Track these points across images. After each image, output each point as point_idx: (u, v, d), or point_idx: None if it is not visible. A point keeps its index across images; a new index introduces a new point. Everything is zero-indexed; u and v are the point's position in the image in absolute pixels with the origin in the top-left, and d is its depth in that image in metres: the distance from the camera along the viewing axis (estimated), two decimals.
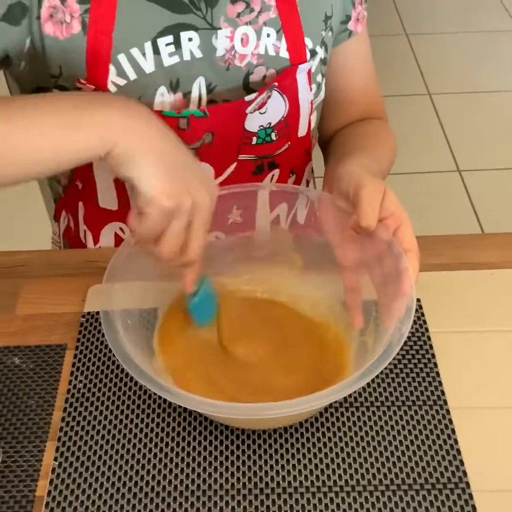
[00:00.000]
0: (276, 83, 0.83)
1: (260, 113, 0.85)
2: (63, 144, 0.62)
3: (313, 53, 0.87)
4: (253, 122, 0.85)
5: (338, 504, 0.64)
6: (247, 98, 0.82)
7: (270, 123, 0.87)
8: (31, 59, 0.79)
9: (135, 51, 0.79)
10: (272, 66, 0.85)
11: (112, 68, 0.79)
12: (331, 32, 0.90)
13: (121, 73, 0.79)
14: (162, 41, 0.79)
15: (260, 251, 0.82)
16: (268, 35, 0.84)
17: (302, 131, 0.91)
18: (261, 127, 0.86)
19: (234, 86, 0.85)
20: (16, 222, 2.13)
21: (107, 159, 0.62)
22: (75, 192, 0.94)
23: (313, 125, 0.94)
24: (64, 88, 0.80)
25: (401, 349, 0.62)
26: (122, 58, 0.79)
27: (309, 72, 0.86)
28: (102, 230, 0.94)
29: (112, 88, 0.80)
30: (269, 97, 0.84)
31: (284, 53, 0.85)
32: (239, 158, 0.88)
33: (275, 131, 0.88)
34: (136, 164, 0.61)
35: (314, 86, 0.89)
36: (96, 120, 0.61)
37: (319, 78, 0.91)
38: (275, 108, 0.86)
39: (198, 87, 0.83)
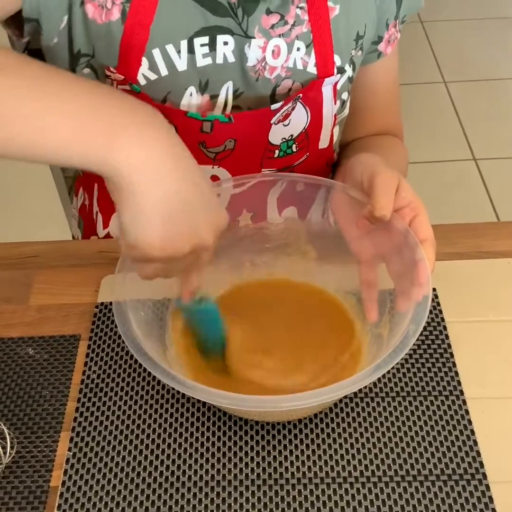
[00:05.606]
0: (301, 95, 0.82)
1: (283, 125, 0.84)
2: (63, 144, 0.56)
3: (341, 70, 0.86)
4: (277, 135, 0.85)
5: (353, 495, 0.64)
6: (273, 107, 0.81)
7: (292, 135, 0.86)
8: (65, 36, 0.78)
9: (170, 48, 0.78)
10: (299, 79, 0.84)
11: (144, 61, 0.79)
12: (361, 51, 0.89)
13: (153, 67, 0.79)
14: (198, 41, 0.79)
15: (272, 242, 0.81)
16: (298, 49, 0.83)
17: (323, 143, 0.90)
18: (284, 140, 0.86)
19: (261, 96, 0.84)
20: (28, 209, 2.12)
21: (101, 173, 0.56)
22: (92, 173, 0.93)
23: (335, 138, 0.92)
24: (95, 69, 0.80)
25: (417, 339, 0.61)
26: (156, 52, 0.78)
27: (335, 85, 0.85)
28: (112, 215, 0.94)
29: (142, 80, 0.79)
30: (293, 109, 0.83)
31: (312, 68, 0.84)
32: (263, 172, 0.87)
33: (296, 143, 0.87)
34: (130, 206, 0.55)
35: (338, 102, 0.88)
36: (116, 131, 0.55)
37: (344, 95, 0.89)
38: (297, 120, 0.85)
39: (226, 92, 0.83)
